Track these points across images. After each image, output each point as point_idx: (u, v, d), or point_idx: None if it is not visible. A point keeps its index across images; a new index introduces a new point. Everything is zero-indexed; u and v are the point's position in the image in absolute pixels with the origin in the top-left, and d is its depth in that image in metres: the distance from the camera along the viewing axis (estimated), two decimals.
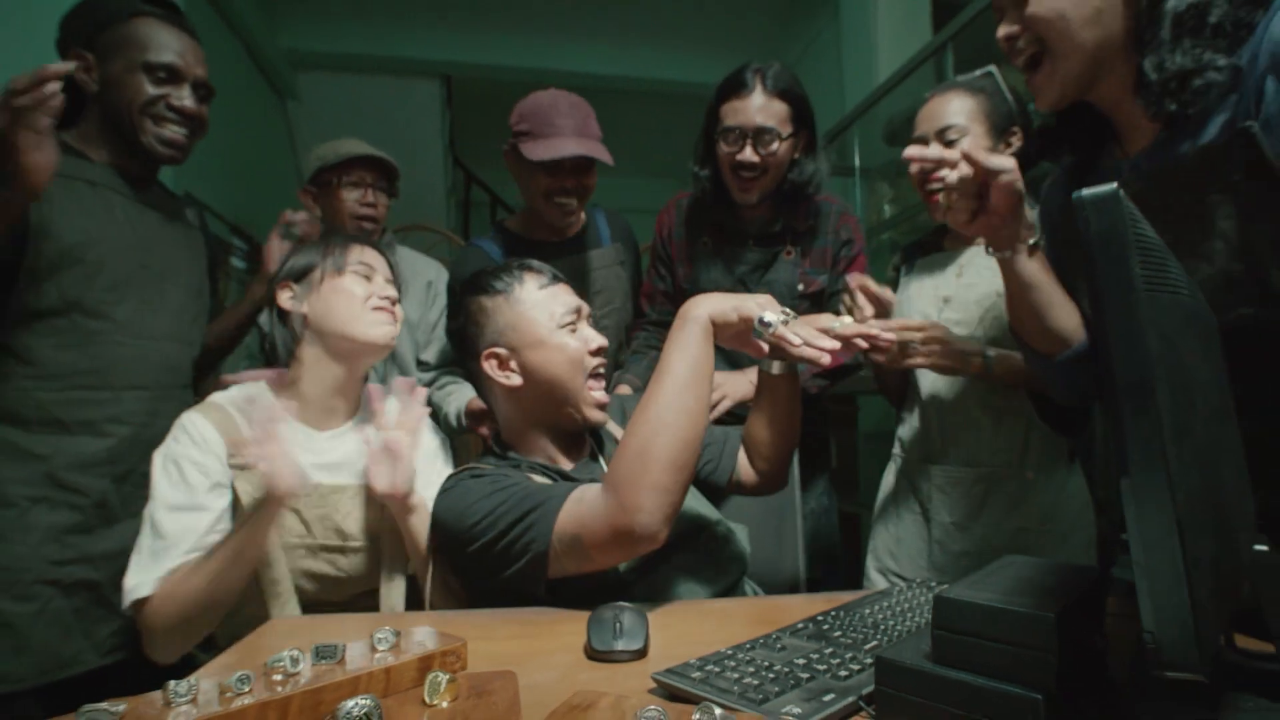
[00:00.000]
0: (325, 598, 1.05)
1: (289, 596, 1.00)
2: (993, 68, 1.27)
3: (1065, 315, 0.94)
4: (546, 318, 1.03)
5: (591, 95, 1.62)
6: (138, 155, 1.19)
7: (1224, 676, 0.56)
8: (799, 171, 1.49)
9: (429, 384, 1.61)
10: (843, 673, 0.60)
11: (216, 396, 1.07)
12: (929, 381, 1.30)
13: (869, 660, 0.62)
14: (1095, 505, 1.23)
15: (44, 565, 1.06)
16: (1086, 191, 0.42)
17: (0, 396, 1.06)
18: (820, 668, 0.61)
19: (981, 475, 1.23)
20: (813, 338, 0.90)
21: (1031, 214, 0.91)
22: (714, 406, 1.40)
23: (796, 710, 0.52)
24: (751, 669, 0.61)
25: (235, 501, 1.01)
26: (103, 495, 1.11)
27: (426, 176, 4.64)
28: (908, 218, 2.68)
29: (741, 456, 1.16)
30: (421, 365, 1.70)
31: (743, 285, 1.55)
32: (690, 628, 0.81)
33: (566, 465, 1.06)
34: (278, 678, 0.53)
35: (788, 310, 0.91)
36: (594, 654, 0.70)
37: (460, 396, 1.52)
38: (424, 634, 0.64)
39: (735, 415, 1.52)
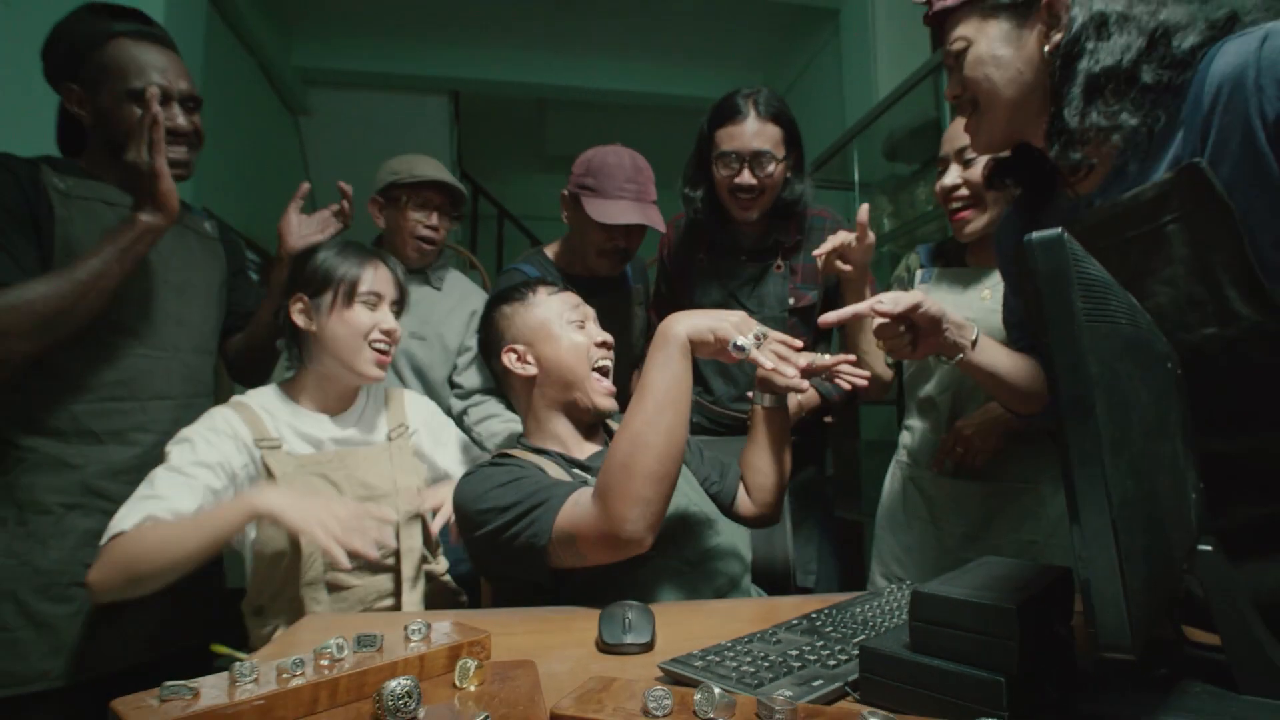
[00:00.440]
0: (362, 562, 1.13)
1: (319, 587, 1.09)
2: None
3: (1029, 378, 1.02)
4: (556, 316, 1.16)
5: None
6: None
7: (1178, 666, 0.62)
8: (790, 190, 1.56)
9: (463, 407, 1.71)
10: (831, 662, 0.66)
11: (242, 397, 1.18)
12: (938, 392, 1.35)
13: (856, 651, 0.68)
14: None
15: (79, 569, 1.10)
16: (1035, 235, 0.48)
17: (38, 411, 1.12)
18: (811, 658, 0.67)
19: (994, 490, 1.28)
20: (781, 363, 0.96)
21: (960, 316, 0.98)
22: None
23: (788, 693, 0.58)
24: (749, 659, 0.67)
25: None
26: None
27: None
28: (906, 231, 2.74)
29: (740, 487, 1.24)
30: (456, 387, 1.77)
31: (735, 300, 1.62)
32: (694, 625, 0.87)
33: (581, 454, 1.13)
34: (325, 662, 0.59)
35: (762, 332, 0.96)
36: (605, 647, 0.76)
37: (493, 424, 1.62)
38: (451, 627, 0.70)
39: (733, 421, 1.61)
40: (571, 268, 1.71)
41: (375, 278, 1.23)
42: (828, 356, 1.12)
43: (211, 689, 0.53)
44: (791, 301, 1.60)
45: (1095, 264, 0.52)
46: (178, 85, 1.21)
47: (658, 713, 0.53)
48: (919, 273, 1.47)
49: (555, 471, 1.05)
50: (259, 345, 1.41)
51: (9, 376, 1.07)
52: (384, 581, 1.16)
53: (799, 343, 1.01)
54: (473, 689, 0.60)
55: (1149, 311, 0.83)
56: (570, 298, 1.21)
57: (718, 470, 1.24)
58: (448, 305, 1.78)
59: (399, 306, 1.27)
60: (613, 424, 1.23)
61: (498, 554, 0.96)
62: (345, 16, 4.09)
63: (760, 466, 1.21)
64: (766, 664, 0.65)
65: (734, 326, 0.94)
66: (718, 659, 0.67)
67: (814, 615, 0.82)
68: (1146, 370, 0.54)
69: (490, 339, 1.21)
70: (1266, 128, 0.73)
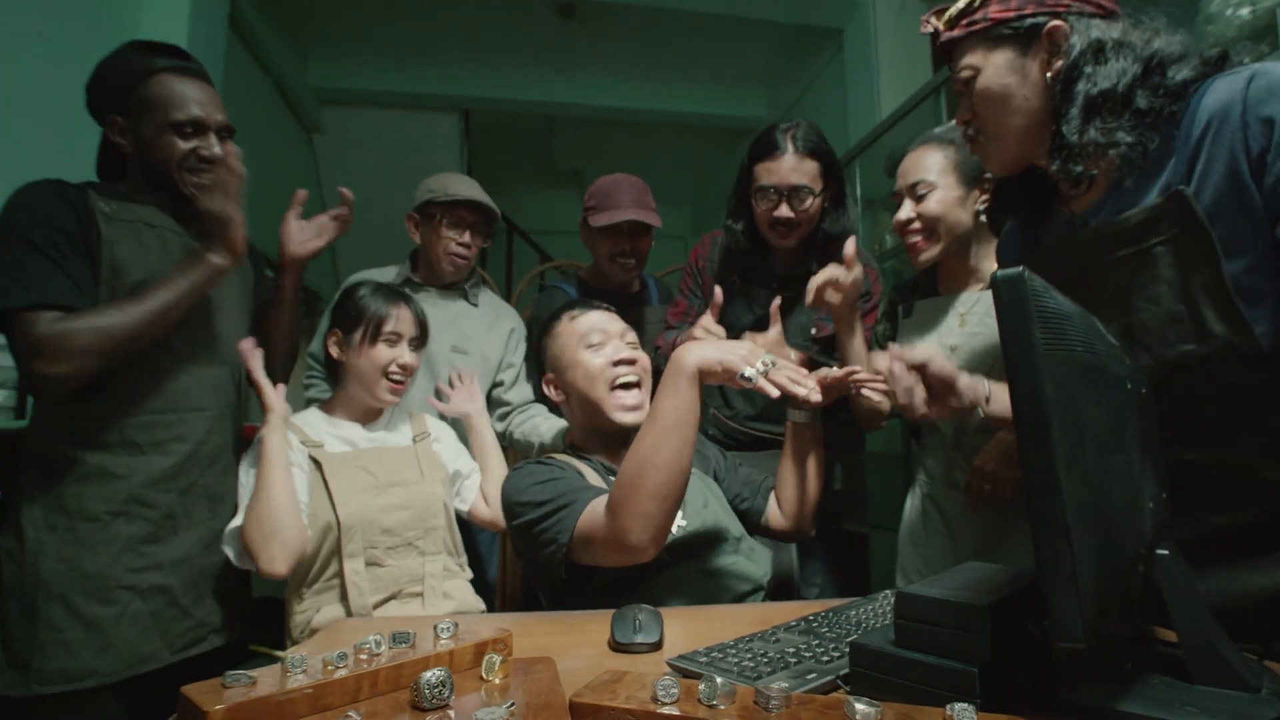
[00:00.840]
0: (395, 542, 1.32)
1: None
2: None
3: None
4: (574, 342, 1.25)
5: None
6: (182, 201, 1.29)
7: (1143, 661, 0.68)
8: (832, 222, 1.62)
9: (507, 423, 1.83)
10: (825, 658, 0.72)
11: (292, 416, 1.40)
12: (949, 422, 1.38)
13: (849, 649, 0.74)
14: None
15: (124, 572, 1.18)
16: (999, 273, 0.54)
17: (91, 425, 1.19)
18: (807, 654, 0.73)
19: (1007, 513, 1.31)
20: (789, 384, 1.02)
21: (970, 378, 1.00)
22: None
23: (784, 684, 0.64)
24: (749, 655, 0.73)
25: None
26: (170, 508, 1.23)
27: None
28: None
29: (772, 501, 1.30)
30: (503, 404, 1.87)
31: (760, 326, 1.68)
32: (700, 627, 0.93)
33: (619, 464, 1.19)
34: (364, 656, 0.65)
35: (771, 361, 1.01)
36: (616, 646, 0.83)
37: (537, 421, 1.77)
38: (477, 625, 0.77)
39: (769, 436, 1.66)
40: (600, 285, 1.93)
41: (398, 319, 1.44)
42: (837, 370, 1.17)
43: (267, 678, 0.59)
44: (814, 331, 1.65)
45: (1056, 297, 0.58)
46: (214, 117, 1.29)
47: (666, 700, 0.58)
48: (899, 313, 1.48)
49: (593, 477, 1.14)
50: (270, 345, 1.48)
51: (71, 394, 1.14)
52: (415, 565, 1.30)
53: (805, 371, 1.08)
54: (498, 681, 0.66)
55: (1134, 326, 0.90)
56: (593, 319, 1.28)
57: (750, 488, 1.31)
58: (486, 320, 1.89)
59: (418, 342, 1.49)
60: None
61: (528, 544, 1.06)
62: (359, 37, 4.21)
63: (791, 480, 1.27)
64: (765, 660, 0.71)
65: (742, 359, 0.99)
66: (720, 655, 0.73)
67: (811, 618, 0.88)
68: (1102, 392, 0.60)
69: (537, 367, 1.37)
70: (1250, 161, 0.79)
